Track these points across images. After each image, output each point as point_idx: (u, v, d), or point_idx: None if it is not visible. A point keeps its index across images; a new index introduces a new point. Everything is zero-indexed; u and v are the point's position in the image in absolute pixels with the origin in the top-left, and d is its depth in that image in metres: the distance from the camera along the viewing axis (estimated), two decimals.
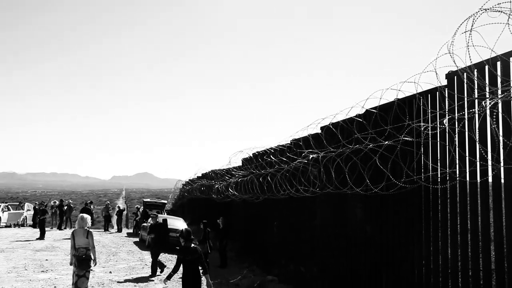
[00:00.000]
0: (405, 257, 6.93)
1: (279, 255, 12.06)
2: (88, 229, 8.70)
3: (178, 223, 19.77)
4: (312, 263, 10.01)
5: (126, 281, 11.67)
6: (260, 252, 13.90)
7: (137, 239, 22.81)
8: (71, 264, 8.74)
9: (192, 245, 7.94)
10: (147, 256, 16.33)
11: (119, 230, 28.38)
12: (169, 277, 7.89)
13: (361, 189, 7.42)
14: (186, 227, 19.27)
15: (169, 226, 18.72)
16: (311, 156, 9.16)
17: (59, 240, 20.51)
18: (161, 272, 12.84)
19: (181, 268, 7.83)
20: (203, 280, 7.92)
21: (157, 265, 12.81)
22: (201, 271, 7.88)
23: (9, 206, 30.87)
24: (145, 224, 21.46)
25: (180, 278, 8.47)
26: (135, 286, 11.09)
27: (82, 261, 8.36)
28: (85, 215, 8.87)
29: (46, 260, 14.16)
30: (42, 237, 20.42)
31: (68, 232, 24.49)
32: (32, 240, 19.48)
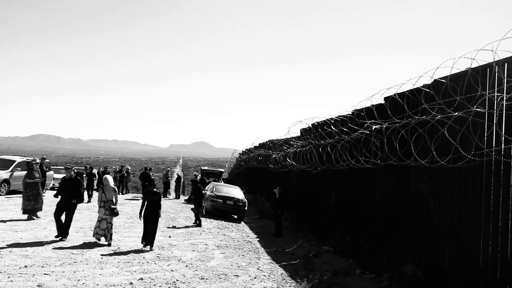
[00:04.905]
0: (470, 233, 6.69)
1: (336, 226, 12.02)
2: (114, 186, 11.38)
3: (234, 192, 20.13)
4: (370, 235, 9.90)
5: (184, 244, 12.07)
6: (315, 222, 13.92)
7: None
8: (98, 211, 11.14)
9: (155, 189, 11.13)
10: (204, 222, 16.72)
11: (177, 197, 29.13)
12: (140, 213, 10.83)
13: (426, 161, 7.20)
14: (242, 195, 19.60)
15: (226, 195, 19.12)
16: (374, 127, 8.96)
17: (121, 204, 21.28)
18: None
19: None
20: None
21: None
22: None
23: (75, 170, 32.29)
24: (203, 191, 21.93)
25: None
26: (193, 250, 11.41)
27: (113, 210, 10.97)
28: (108, 177, 11.38)
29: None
30: None
31: (127, 196, 26.10)
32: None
